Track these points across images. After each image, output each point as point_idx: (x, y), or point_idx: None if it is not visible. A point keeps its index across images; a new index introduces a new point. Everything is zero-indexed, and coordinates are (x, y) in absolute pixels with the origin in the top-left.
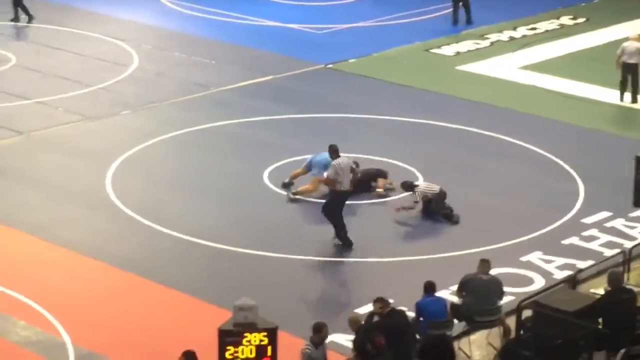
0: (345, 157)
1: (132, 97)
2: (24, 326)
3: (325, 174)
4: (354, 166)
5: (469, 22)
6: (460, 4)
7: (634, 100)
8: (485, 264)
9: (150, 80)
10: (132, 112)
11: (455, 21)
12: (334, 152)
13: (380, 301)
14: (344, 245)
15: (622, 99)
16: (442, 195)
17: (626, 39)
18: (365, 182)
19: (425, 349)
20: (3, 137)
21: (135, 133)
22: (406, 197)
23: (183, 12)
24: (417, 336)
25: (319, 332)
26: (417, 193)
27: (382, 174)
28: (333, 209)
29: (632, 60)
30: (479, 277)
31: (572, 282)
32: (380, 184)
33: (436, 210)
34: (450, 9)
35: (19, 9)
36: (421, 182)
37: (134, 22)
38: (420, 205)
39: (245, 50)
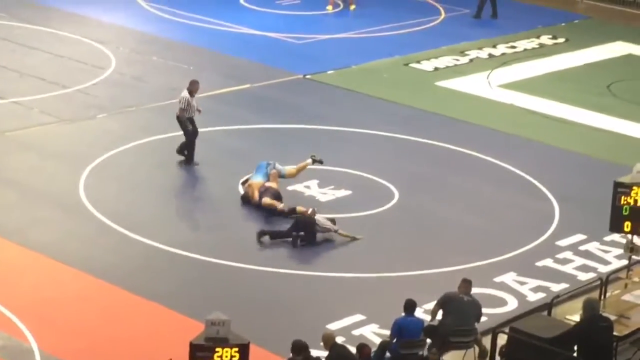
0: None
1: (109, 100)
2: None
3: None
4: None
5: (494, 16)
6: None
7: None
8: (467, 284)
9: (127, 84)
10: (108, 115)
11: (478, 15)
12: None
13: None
14: None
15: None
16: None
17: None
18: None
19: None
20: None
21: (111, 137)
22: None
23: (163, 17)
24: (388, 354)
25: (298, 355)
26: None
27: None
28: None
29: None
30: (460, 298)
31: (548, 307)
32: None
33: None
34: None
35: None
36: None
37: (113, 24)
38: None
39: (223, 58)
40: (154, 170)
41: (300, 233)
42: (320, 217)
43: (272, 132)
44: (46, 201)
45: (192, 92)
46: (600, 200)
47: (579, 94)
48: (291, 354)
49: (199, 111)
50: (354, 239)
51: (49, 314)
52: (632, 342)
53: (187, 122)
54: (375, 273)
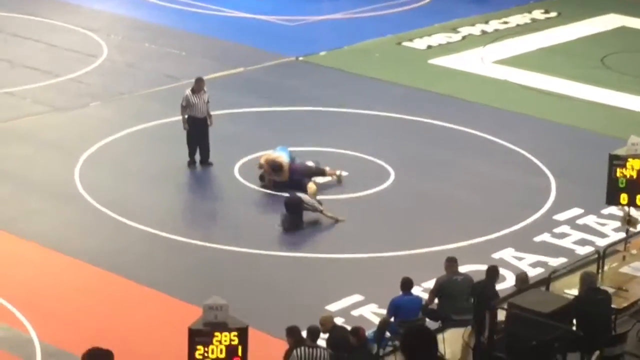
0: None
1: (102, 88)
2: None
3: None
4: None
5: None
6: None
7: None
8: (453, 263)
9: (119, 71)
10: (102, 103)
11: None
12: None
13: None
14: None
15: None
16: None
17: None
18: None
19: (407, 340)
20: None
21: (105, 125)
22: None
23: (153, 3)
24: (388, 334)
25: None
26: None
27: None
28: None
29: None
30: (454, 279)
31: (546, 282)
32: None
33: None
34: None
35: None
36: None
37: (104, 12)
38: None
39: (216, 42)
40: (149, 157)
41: (288, 214)
42: (306, 197)
43: (266, 115)
44: (42, 191)
45: (193, 90)
46: (597, 173)
47: (573, 68)
48: (288, 337)
49: (210, 117)
50: (337, 220)
51: (48, 303)
52: (631, 314)
53: (184, 121)
54: (372, 253)
